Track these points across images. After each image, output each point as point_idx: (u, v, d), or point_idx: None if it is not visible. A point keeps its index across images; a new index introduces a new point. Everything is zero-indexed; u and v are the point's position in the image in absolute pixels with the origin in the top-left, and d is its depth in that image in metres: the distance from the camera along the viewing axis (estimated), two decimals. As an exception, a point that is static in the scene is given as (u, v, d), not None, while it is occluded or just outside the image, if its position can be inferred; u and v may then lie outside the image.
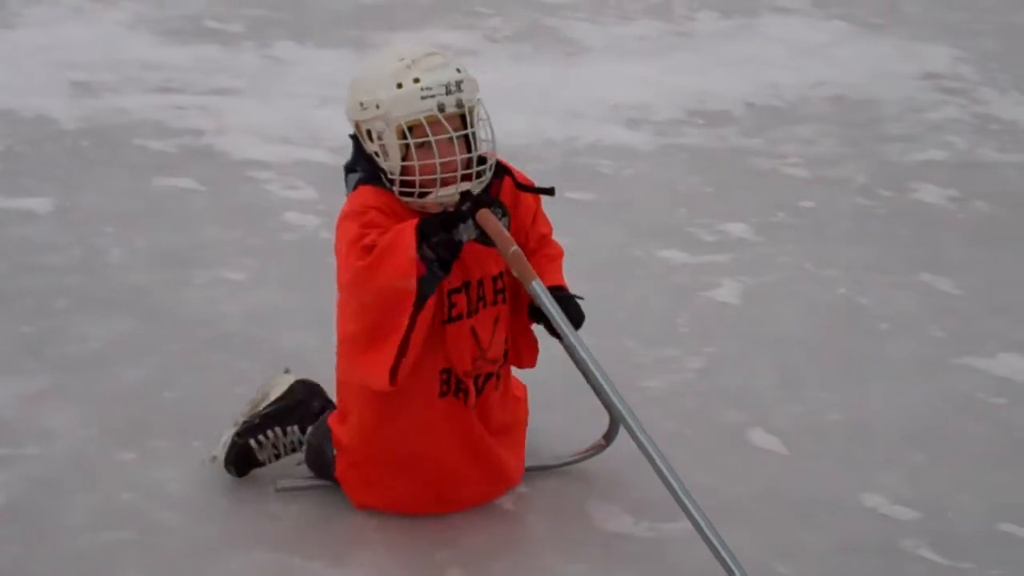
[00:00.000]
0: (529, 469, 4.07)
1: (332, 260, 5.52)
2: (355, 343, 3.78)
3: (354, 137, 3.78)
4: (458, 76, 3.66)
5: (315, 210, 6.06)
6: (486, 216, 3.62)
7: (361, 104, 3.67)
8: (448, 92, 3.63)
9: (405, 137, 3.62)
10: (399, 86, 3.60)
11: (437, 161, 3.61)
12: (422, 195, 3.68)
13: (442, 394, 3.83)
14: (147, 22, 8.88)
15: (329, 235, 5.74)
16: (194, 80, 7.81)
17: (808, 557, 3.84)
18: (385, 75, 3.63)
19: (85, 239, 5.71)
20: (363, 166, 3.78)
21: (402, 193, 3.70)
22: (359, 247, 3.67)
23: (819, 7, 10.04)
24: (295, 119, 7.23)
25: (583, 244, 5.77)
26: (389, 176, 3.71)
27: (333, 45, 8.61)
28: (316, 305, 5.16)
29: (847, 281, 5.58)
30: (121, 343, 4.87)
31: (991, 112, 7.82)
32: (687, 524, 3.53)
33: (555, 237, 5.62)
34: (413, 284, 3.56)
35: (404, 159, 3.65)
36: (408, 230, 3.57)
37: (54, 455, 4.19)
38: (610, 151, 7.03)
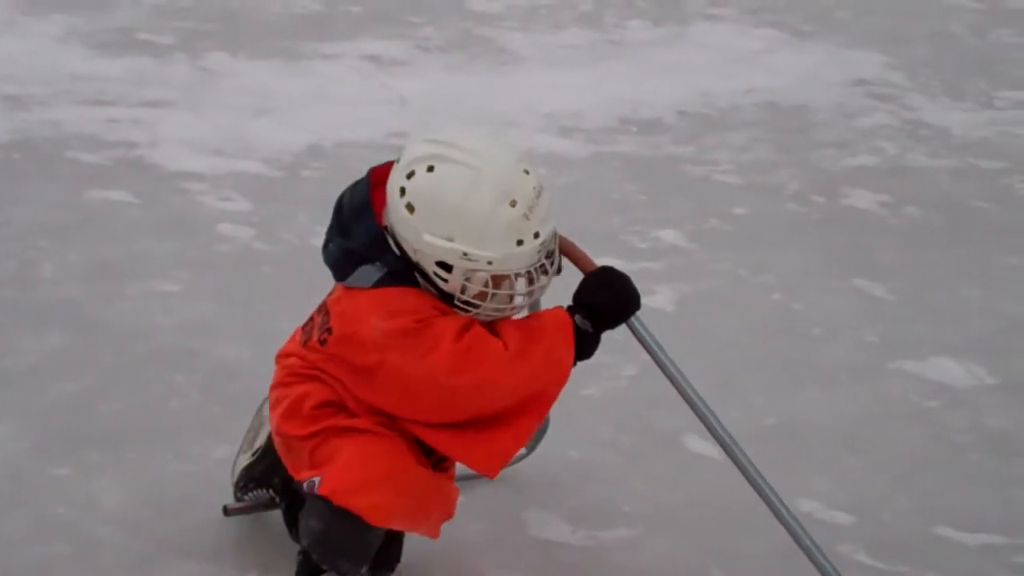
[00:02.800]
0: (460, 478, 4.07)
1: (267, 270, 5.58)
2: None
3: (385, 229, 3.33)
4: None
5: (249, 221, 6.04)
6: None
7: (465, 254, 3.22)
8: (551, 236, 3.37)
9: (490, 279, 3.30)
10: (519, 243, 3.25)
11: (517, 303, 3.37)
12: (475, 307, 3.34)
13: None
14: (78, 34, 8.82)
15: (263, 246, 5.79)
16: (126, 92, 7.77)
17: (745, 562, 3.87)
18: (500, 226, 3.21)
19: (17, 253, 5.67)
20: (390, 261, 3.31)
21: (457, 308, 3.33)
22: (444, 378, 3.26)
23: (750, 15, 10.08)
24: (228, 130, 7.20)
25: (518, 253, 5.81)
26: (446, 293, 3.31)
27: (265, 56, 8.58)
28: (251, 316, 5.16)
29: (781, 287, 5.62)
30: (55, 357, 4.84)
31: (921, 118, 7.89)
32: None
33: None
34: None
35: (476, 295, 3.31)
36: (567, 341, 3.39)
37: (-13, 470, 4.16)
38: (543, 160, 7.03)
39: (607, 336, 4.62)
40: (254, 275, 5.56)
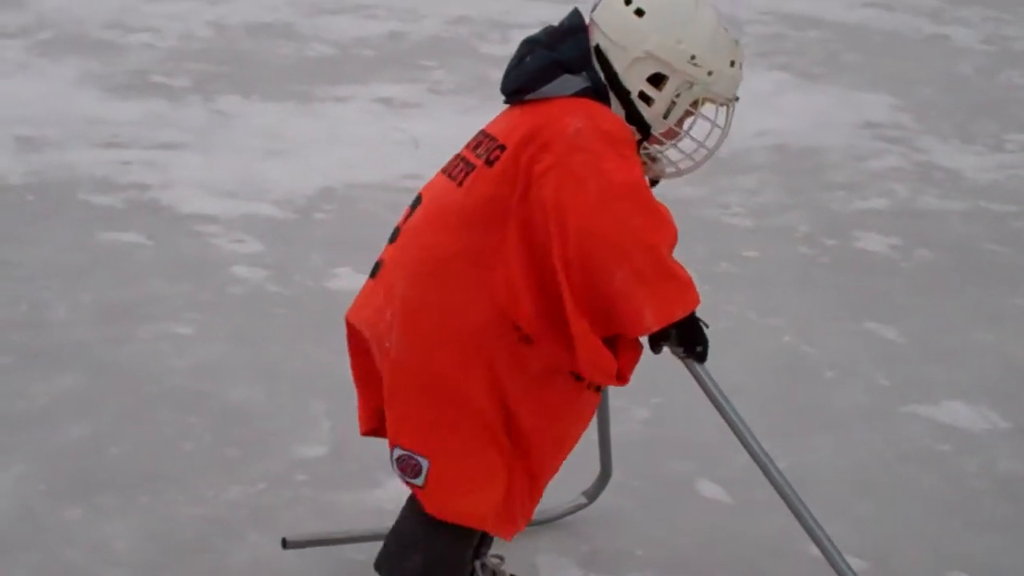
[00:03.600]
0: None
1: (280, 312, 5.59)
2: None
3: (590, 53, 3.24)
4: None
5: (262, 263, 6.06)
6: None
7: (693, 57, 3.20)
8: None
9: (694, 108, 3.29)
10: (732, 64, 3.29)
11: (705, 148, 3.36)
12: (653, 158, 3.34)
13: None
14: (93, 77, 8.87)
15: (275, 288, 5.80)
16: (140, 135, 7.81)
17: (756, 606, 3.87)
18: (721, 45, 3.26)
19: (30, 294, 5.69)
20: (593, 76, 3.23)
21: (642, 144, 3.27)
22: (647, 194, 3.18)
23: (761, 57, 10.12)
24: (241, 173, 7.23)
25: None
26: (640, 118, 3.25)
27: (278, 98, 8.63)
28: (263, 358, 5.17)
29: (792, 330, 5.63)
30: (67, 399, 4.85)
31: (932, 160, 7.91)
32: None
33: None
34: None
35: (675, 126, 3.31)
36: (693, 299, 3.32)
37: (-1, 513, 4.17)
38: (555, 202, 7.05)
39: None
40: (267, 317, 5.57)
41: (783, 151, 8.06)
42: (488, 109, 8.78)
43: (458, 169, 3.29)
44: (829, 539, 3.53)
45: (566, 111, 3.16)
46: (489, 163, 3.20)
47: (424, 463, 3.25)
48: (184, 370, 5.09)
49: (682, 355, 3.46)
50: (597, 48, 3.25)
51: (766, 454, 3.56)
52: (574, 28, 3.29)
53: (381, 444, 4.45)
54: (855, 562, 4.05)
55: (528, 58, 3.27)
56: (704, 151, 3.35)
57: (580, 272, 3.09)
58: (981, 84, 9.56)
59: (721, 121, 3.36)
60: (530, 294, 3.17)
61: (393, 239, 3.37)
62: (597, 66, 3.24)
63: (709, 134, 3.35)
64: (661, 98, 3.23)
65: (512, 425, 3.29)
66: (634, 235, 3.13)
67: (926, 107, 8.92)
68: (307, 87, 8.89)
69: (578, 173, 3.08)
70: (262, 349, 5.26)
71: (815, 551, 4.05)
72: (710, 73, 3.24)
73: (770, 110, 8.85)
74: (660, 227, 3.25)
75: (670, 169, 3.40)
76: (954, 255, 6.53)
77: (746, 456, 4.51)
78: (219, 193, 6.93)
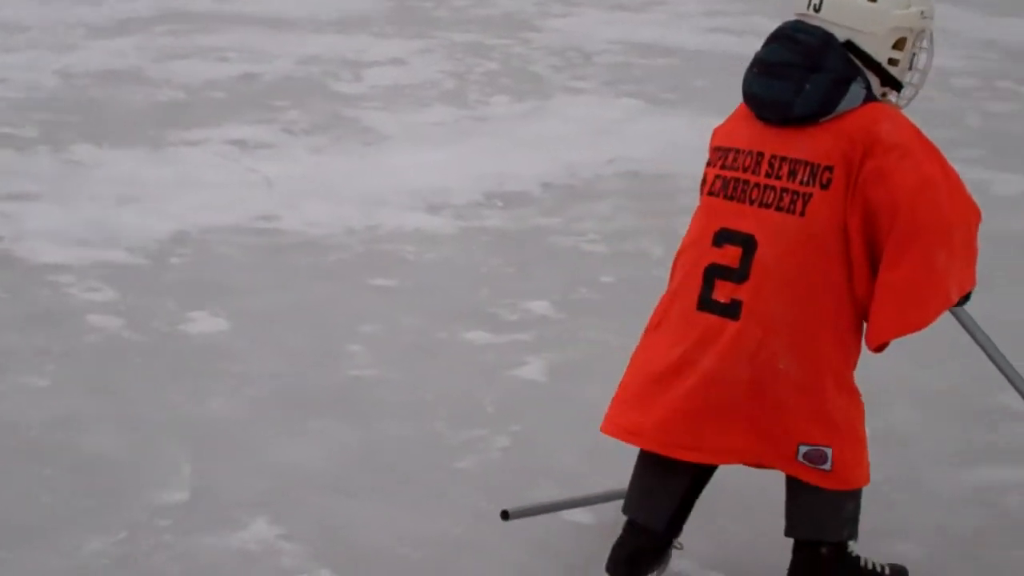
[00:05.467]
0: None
1: (137, 359, 5.54)
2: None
3: (846, 48, 3.74)
4: None
5: (117, 311, 6.00)
6: None
7: (922, 13, 3.82)
8: None
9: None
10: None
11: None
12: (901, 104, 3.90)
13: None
14: (-62, 130, 8.75)
15: (131, 336, 5.75)
16: (-12, 187, 7.71)
17: (622, 626, 3.90)
18: None
19: None
20: (861, 78, 3.74)
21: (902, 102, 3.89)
22: (956, 178, 3.74)
23: (609, 86, 10.27)
24: (94, 221, 7.16)
25: (388, 330, 5.84)
26: (904, 84, 3.86)
27: (130, 145, 8.57)
28: (121, 407, 5.13)
29: (649, 352, 5.68)
30: (-79, 457, 4.77)
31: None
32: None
33: (360, 327, 5.71)
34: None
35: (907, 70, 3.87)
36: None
37: None
38: (412, 237, 7.09)
39: (478, 409, 4.70)
40: (123, 365, 5.53)
41: (636, 177, 8.17)
42: (340, 148, 8.80)
43: (787, 200, 3.69)
44: None
45: (869, 119, 3.69)
46: (824, 187, 3.67)
47: (828, 451, 3.74)
48: (41, 422, 5.02)
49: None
50: (848, 43, 3.74)
51: None
52: (826, 39, 3.74)
53: (243, 486, 4.47)
54: (716, 575, 4.14)
55: (808, 84, 3.68)
56: (923, 77, 3.91)
57: (905, 253, 3.63)
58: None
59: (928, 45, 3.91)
60: (868, 284, 3.70)
61: (740, 279, 3.74)
62: (854, 59, 3.75)
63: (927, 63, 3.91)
64: (904, 56, 3.82)
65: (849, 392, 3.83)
66: (963, 222, 3.72)
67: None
68: (159, 132, 8.85)
69: (905, 175, 3.61)
70: (119, 397, 5.22)
71: (679, 567, 4.13)
72: (927, 16, 3.83)
73: (622, 137, 8.97)
74: (970, 205, 3.76)
75: (906, 103, 3.91)
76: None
77: (608, 481, 4.60)
78: (72, 242, 6.85)
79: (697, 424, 3.79)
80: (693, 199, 7.54)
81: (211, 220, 7.18)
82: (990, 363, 4.14)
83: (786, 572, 3.92)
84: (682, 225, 7.16)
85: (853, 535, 3.87)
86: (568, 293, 6.34)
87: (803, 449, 3.74)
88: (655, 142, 8.83)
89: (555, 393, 5.33)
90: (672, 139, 8.85)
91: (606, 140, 8.92)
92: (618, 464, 4.71)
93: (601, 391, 5.31)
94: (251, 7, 13.25)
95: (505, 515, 4.15)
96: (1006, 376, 4.15)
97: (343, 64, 11.01)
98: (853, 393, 3.82)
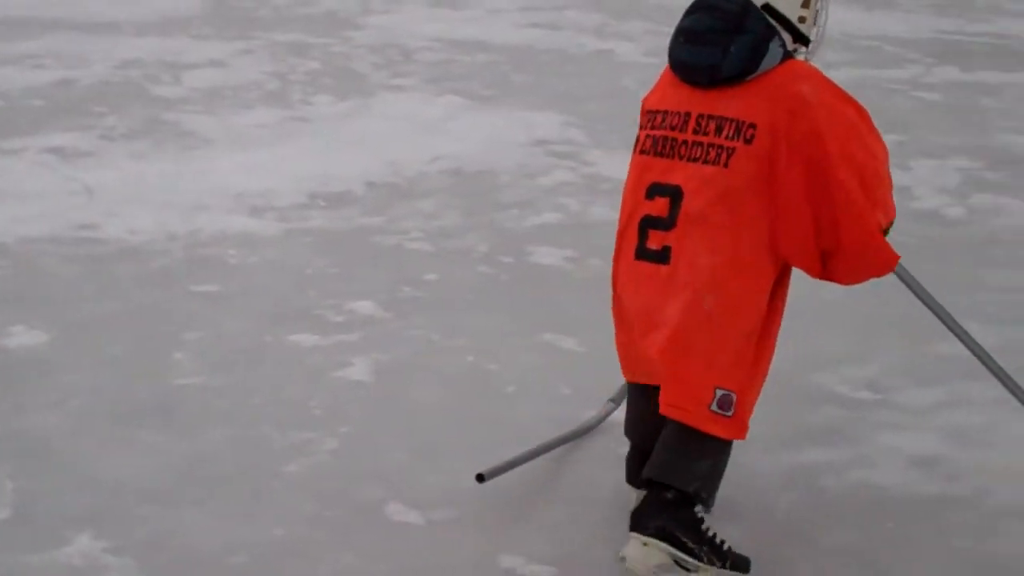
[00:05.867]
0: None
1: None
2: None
3: (764, 11, 4.08)
4: None
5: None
6: None
7: None
8: None
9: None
10: None
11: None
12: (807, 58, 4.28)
13: None
14: None
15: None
16: None
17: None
18: None
19: None
20: (778, 37, 4.08)
21: (811, 56, 4.27)
22: (870, 120, 4.13)
23: (431, 83, 10.30)
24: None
25: (213, 336, 5.81)
26: (811, 40, 4.23)
27: (-57, 155, 8.40)
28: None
29: (475, 349, 5.73)
30: None
31: (600, 172, 8.16)
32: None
33: (184, 334, 5.66)
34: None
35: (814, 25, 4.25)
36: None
37: None
38: (235, 240, 7.05)
39: (305, 412, 4.69)
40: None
41: (458, 174, 8.21)
42: (161, 153, 8.69)
43: (712, 154, 4.01)
44: None
45: (788, 79, 4.02)
46: (747, 141, 3.99)
47: (734, 396, 4.04)
48: None
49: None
50: (766, 6, 4.09)
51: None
52: (745, 4, 4.07)
53: (66, 501, 4.42)
54: (544, 569, 4.19)
55: (733, 47, 4.02)
56: (821, 32, 4.27)
57: (854, 191, 4.00)
58: (642, 96, 9.88)
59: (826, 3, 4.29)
60: (809, 233, 4.03)
61: (669, 227, 4.05)
62: (770, 20, 4.09)
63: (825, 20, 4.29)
64: (810, 14, 4.19)
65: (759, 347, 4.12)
66: (882, 158, 4.11)
67: (594, 121, 9.19)
68: (-26, 142, 8.69)
69: (829, 125, 3.97)
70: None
71: (507, 563, 4.18)
72: None
73: (444, 135, 9.01)
74: (883, 143, 4.16)
75: (812, 56, 4.29)
76: (626, 263, 6.73)
77: (437, 477, 4.64)
78: None
79: (644, 368, 4.21)
80: (515, 194, 7.74)
81: (30, 231, 7.06)
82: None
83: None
84: (505, 219, 7.36)
85: (700, 494, 4.10)
86: (393, 292, 6.36)
87: (719, 392, 4.04)
88: (477, 138, 8.88)
89: (382, 393, 5.35)
90: (494, 135, 8.92)
91: (429, 138, 8.94)
92: (447, 462, 4.77)
93: (428, 389, 5.38)
94: (66, 11, 13.05)
95: (480, 478, 4.43)
96: (945, 324, 4.45)
97: (162, 67, 10.91)
98: (766, 343, 4.15)
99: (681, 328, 4.04)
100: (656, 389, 4.12)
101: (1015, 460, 4.88)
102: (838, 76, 9.66)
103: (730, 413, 4.04)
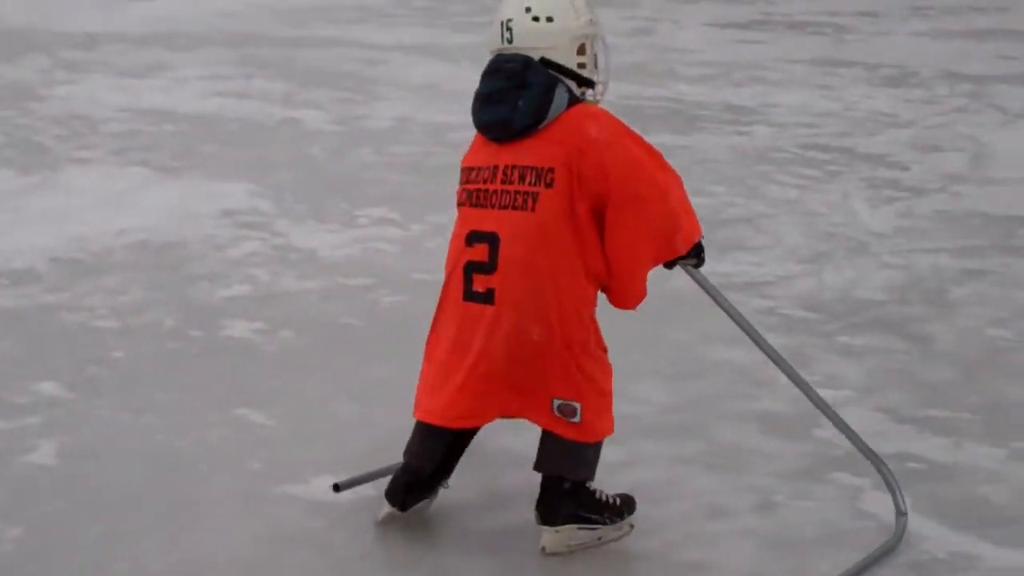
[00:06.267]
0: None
1: None
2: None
3: (542, 64, 4.54)
4: None
5: None
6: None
7: (590, 20, 4.63)
8: None
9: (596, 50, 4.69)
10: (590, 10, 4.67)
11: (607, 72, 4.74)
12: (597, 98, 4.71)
13: None
14: None
15: None
16: None
17: None
18: (580, 5, 4.63)
19: None
20: (562, 85, 4.55)
21: (587, 97, 4.67)
22: (659, 153, 4.57)
23: (116, 155, 10.16)
24: None
25: None
26: (596, 82, 4.68)
27: None
28: None
29: (164, 427, 5.67)
30: None
31: (290, 242, 8.18)
32: None
33: None
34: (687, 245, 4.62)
35: (594, 68, 4.68)
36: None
37: None
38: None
39: None
40: None
41: (146, 247, 8.12)
42: None
43: (519, 200, 4.49)
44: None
45: (577, 122, 4.51)
46: (548, 185, 4.47)
47: (577, 406, 4.58)
48: None
49: (693, 265, 4.73)
50: (543, 60, 4.54)
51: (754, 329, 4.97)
52: (525, 61, 4.54)
53: None
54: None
55: (520, 101, 4.49)
56: (607, 72, 4.73)
57: (638, 220, 4.48)
58: (333, 164, 9.96)
59: (603, 46, 4.72)
60: (603, 259, 4.54)
61: (491, 270, 4.53)
62: (551, 72, 4.54)
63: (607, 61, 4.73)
64: (588, 59, 4.64)
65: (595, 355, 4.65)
66: (669, 190, 4.53)
67: (282, 191, 9.20)
68: None
69: (617, 165, 4.44)
70: None
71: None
72: (595, 22, 4.64)
73: (130, 208, 8.90)
74: (675, 174, 4.59)
75: (602, 96, 4.72)
76: (316, 333, 6.76)
77: (127, 563, 4.56)
78: None
79: (474, 397, 4.62)
80: (204, 266, 7.68)
81: None
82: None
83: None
84: (194, 293, 7.30)
85: (590, 477, 4.72)
86: (79, 372, 6.24)
87: (556, 403, 4.58)
88: (164, 210, 8.80)
89: (69, 477, 5.24)
90: (181, 206, 8.84)
91: (115, 211, 8.82)
92: (137, 545, 4.70)
93: (115, 470, 5.29)
94: None
95: (336, 487, 4.98)
96: (736, 322, 4.93)
97: None
98: (599, 356, 4.66)
99: (511, 357, 4.55)
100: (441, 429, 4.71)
101: (694, 516, 5.05)
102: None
103: (576, 419, 4.59)
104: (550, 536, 4.69)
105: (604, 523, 4.76)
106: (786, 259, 5.89)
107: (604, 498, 4.80)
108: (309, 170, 9.78)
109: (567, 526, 4.69)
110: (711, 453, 5.47)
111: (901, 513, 4.89)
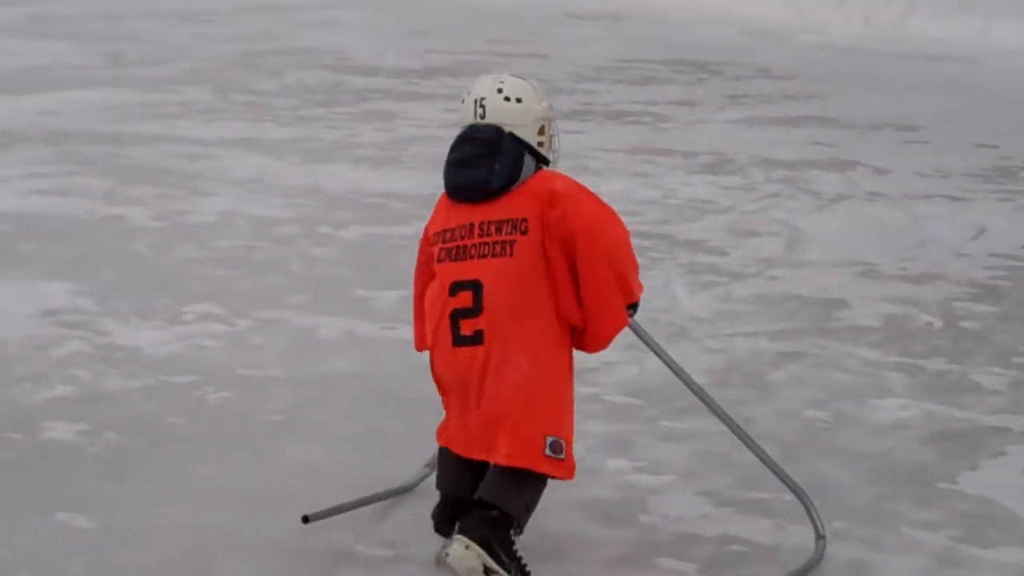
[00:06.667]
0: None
1: None
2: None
3: (511, 137, 5.22)
4: None
5: None
6: None
7: (550, 106, 5.38)
8: None
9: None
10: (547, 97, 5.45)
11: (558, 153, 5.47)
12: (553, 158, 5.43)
13: None
14: None
15: None
16: None
17: None
18: (540, 92, 5.39)
19: None
20: (528, 156, 5.23)
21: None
22: (613, 212, 5.23)
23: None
24: None
25: None
26: (549, 160, 5.37)
27: None
28: None
29: (-17, 534, 5.57)
30: None
31: (114, 341, 8.07)
32: None
33: None
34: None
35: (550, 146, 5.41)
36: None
37: None
38: None
39: None
40: None
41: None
42: None
43: (498, 248, 5.11)
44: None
45: (544, 181, 5.20)
46: (523, 233, 5.11)
47: (563, 442, 5.13)
48: None
49: (631, 314, 5.32)
50: (511, 135, 5.22)
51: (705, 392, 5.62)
52: (498, 131, 5.22)
53: None
54: None
55: (497, 165, 5.14)
56: (558, 153, 5.46)
57: (605, 268, 5.13)
58: (156, 260, 9.86)
59: (557, 129, 5.47)
60: (575, 301, 5.16)
61: (477, 313, 5.10)
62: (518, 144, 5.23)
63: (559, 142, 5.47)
64: (546, 138, 5.37)
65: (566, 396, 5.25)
66: (624, 240, 5.20)
67: (105, 289, 9.08)
68: None
69: (580, 214, 5.10)
70: None
71: None
72: (552, 108, 5.41)
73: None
74: (626, 231, 5.23)
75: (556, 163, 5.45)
76: (140, 434, 6.68)
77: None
78: None
79: (481, 433, 5.11)
80: (24, 368, 7.54)
81: None
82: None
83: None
84: (15, 395, 7.16)
85: (519, 520, 5.09)
86: None
87: (549, 440, 5.07)
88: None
89: None
90: (1, 307, 8.67)
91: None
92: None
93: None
94: None
95: (306, 519, 5.33)
96: (673, 371, 5.56)
97: None
98: (569, 393, 5.23)
99: (507, 392, 5.04)
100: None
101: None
102: (349, 236, 9.96)
103: (562, 456, 5.09)
104: (459, 548, 4.97)
105: (508, 571, 4.98)
106: (610, 346, 5.96)
107: (519, 555, 5.04)
108: (132, 267, 9.68)
109: (481, 550, 4.94)
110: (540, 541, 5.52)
111: (820, 536, 5.45)
